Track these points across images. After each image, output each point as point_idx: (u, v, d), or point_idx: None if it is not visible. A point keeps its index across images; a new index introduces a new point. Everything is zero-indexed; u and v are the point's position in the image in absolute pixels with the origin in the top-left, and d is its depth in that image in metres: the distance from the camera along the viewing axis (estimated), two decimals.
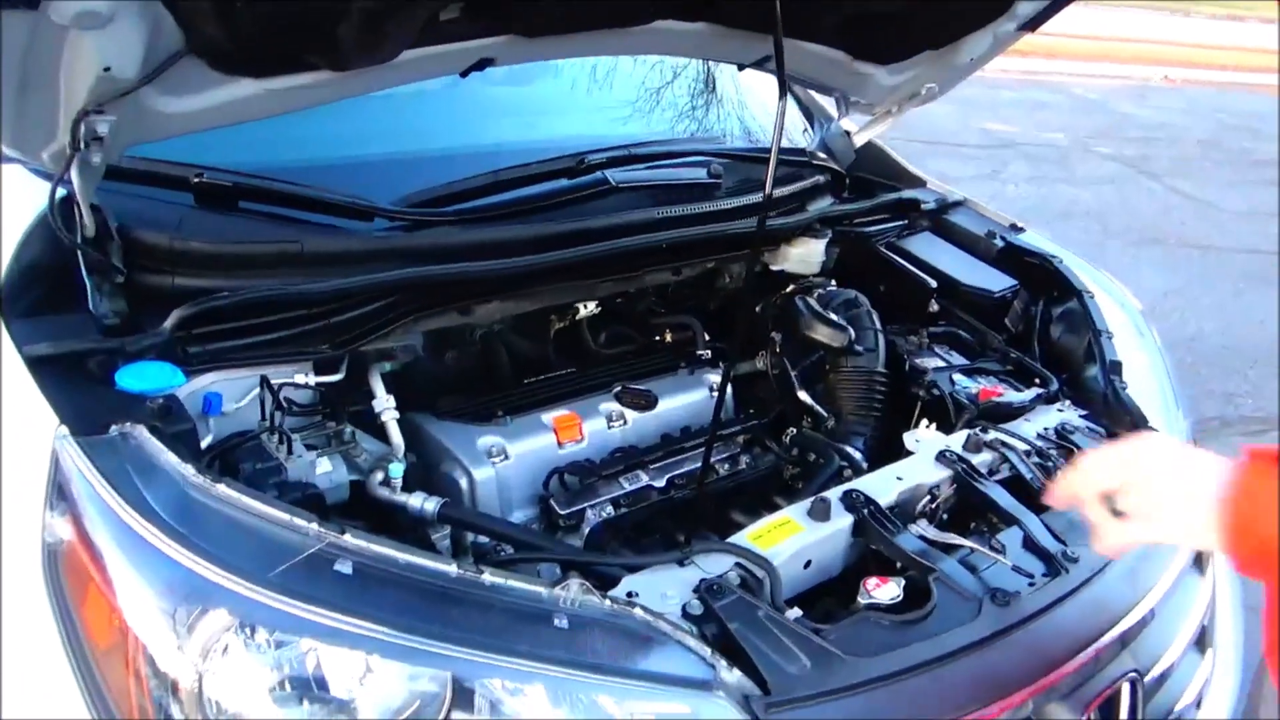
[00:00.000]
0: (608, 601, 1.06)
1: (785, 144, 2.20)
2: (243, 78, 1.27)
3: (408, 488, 1.38)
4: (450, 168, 1.66)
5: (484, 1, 1.32)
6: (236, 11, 1.14)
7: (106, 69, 1.09)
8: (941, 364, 1.79)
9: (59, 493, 1.08)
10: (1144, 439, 1.02)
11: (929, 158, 2.28)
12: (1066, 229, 5.60)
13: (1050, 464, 1.50)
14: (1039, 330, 1.92)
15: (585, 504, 1.46)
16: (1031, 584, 1.26)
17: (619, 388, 1.67)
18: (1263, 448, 0.92)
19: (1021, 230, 2.12)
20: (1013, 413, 1.63)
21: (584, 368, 1.77)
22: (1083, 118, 9.38)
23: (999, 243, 2.06)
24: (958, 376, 1.76)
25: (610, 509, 1.47)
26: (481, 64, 1.45)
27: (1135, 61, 12.58)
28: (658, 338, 1.89)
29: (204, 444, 1.26)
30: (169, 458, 1.07)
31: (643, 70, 2.25)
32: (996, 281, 1.96)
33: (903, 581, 1.23)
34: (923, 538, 1.32)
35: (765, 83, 2.36)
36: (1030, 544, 1.33)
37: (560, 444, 1.53)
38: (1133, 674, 1.27)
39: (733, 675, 1.04)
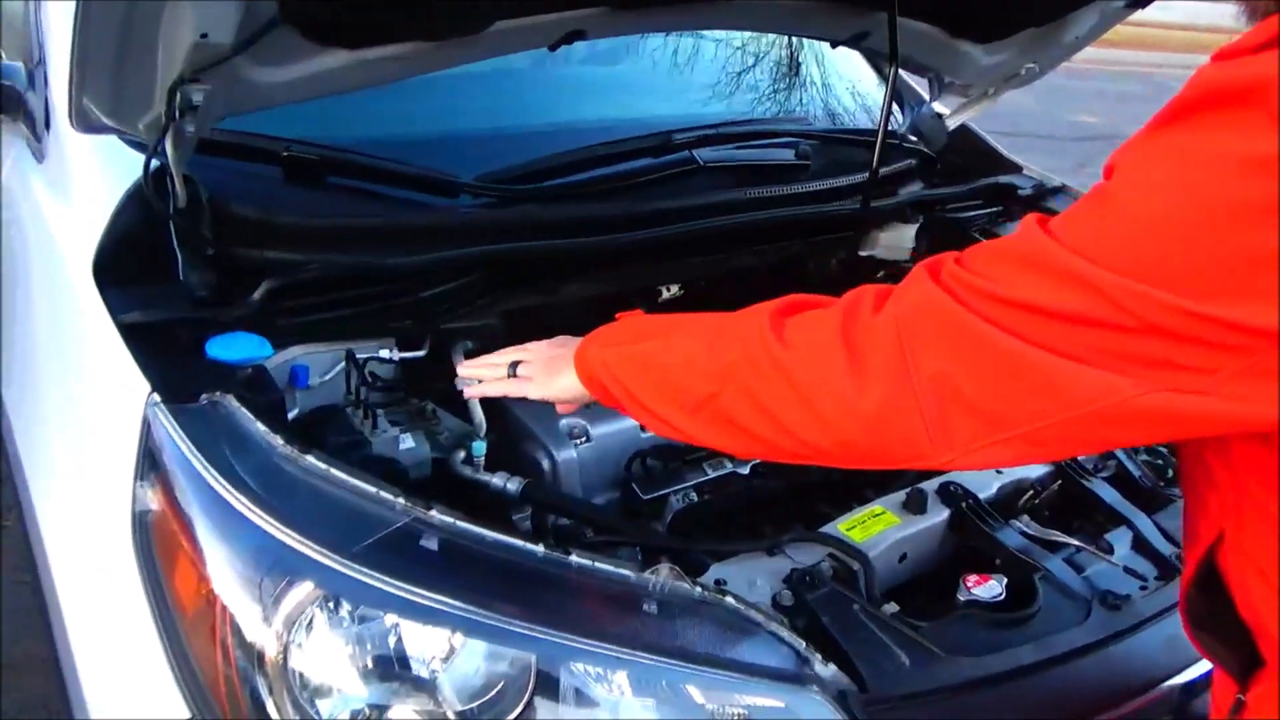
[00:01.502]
0: (698, 588, 1.03)
1: (876, 127, 2.13)
2: (335, 48, 1.26)
3: (489, 467, 1.36)
4: (535, 145, 1.64)
5: None
6: None
7: (203, 36, 1.08)
8: None
9: (149, 460, 1.09)
10: None
11: (1012, 149, 2.21)
12: None
13: (1160, 461, 1.42)
14: None
15: (668, 489, 1.42)
16: (1143, 588, 1.19)
17: None
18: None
19: None
20: None
21: None
22: None
23: None
24: None
25: (693, 495, 1.43)
26: (571, 36, 1.42)
27: None
28: None
29: (290, 416, 1.25)
30: (258, 427, 1.06)
31: (726, 51, 2.21)
32: None
33: (1004, 579, 1.17)
34: (1025, 534, 1.26)
35: (848, 65, 2.30)
36: (1141, 545, 1.26)
37: (643, 427, 1.50)
38: None
39: (828, 670, 1.00)
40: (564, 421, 1.46)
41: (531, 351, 1.21)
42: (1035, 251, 0.68)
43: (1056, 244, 0.67)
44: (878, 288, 0.81)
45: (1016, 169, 2.18)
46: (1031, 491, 1.35)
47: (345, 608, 0.96)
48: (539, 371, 1.17)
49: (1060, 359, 0.66)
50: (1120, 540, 1.27)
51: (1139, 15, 1.84)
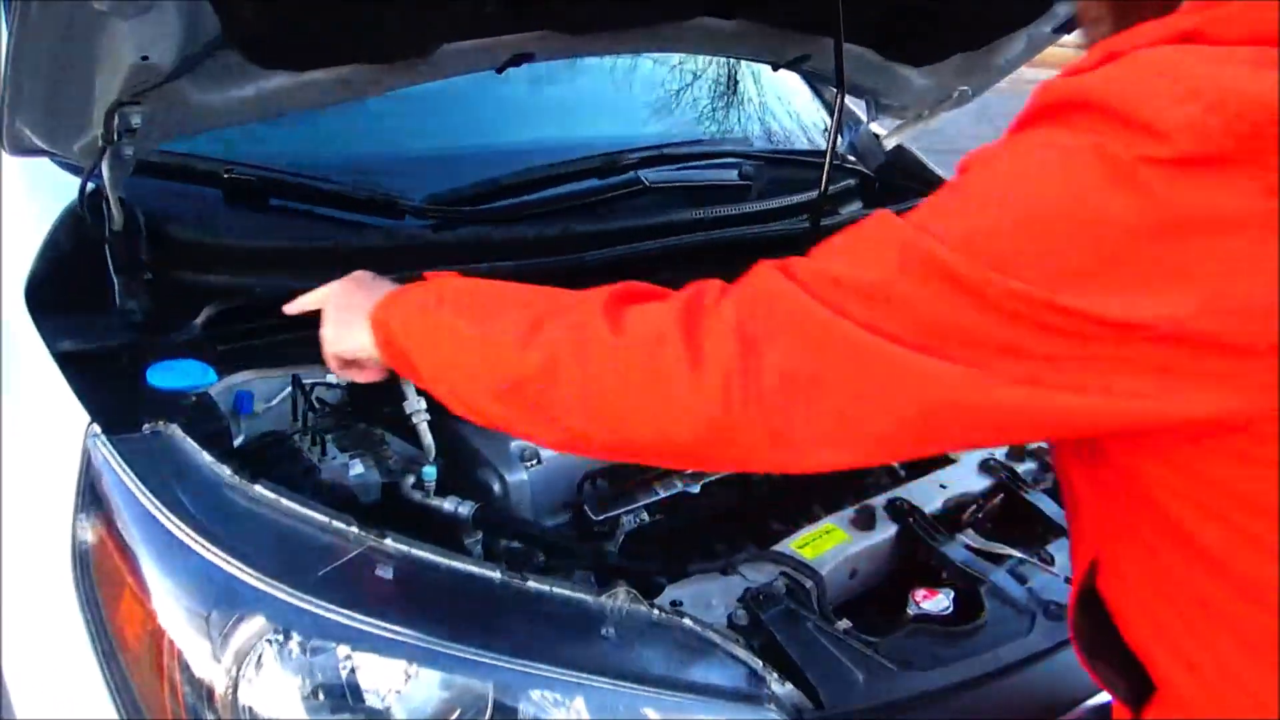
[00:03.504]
0: (656, 611, 1.03)
1: (814, 146, 2.17)
2: (279, 71, 1.25)
3: (440, 491, 1.35)
4: (481, 166, 1.63)
5: None
6: (275, 1, 1.11)
7: (144, 58, 1.06)
8: None
9: (90, 493, 1.05)
10: None
11: (944, 167, 2.27)
12: None
13: None
14: None
15: (619, 510, 1.42)
16: None
17: None
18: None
19: None
20: None
21: None
22: None
23: None
24: None
25: (645, 515, 1.43)
26: (519, 59, 1.42)
27: None
28: None
29: (236, 444, 1.23)
30: (204, 457, 1.04)
31: (665, 72, 2.23)
32: None
33: (952, 592, 1.20)
34: (970, 548, 1.28)
35: (785, 85, 2.34)
36: None
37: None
38: None
39: (784, 688, 1.01)
40: (514, 444, 1.45)
41: (327, 293, 1.08)
42: (887, 236, 0.68)
43: (910, 227, 0.66)
44: (722, 282, 0.76)
45: None
46: (975, 505, 1.38)
47: (296, 640, 0.94)
48: (330, 321, 1.05)
49: (910, 351, 0.64)
50: (1061, 550, 1.30)
51: (1071, 37, 1.90)
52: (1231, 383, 0.61)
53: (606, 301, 0.80)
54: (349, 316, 1.02)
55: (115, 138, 1.14)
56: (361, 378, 1.09)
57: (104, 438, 1.05)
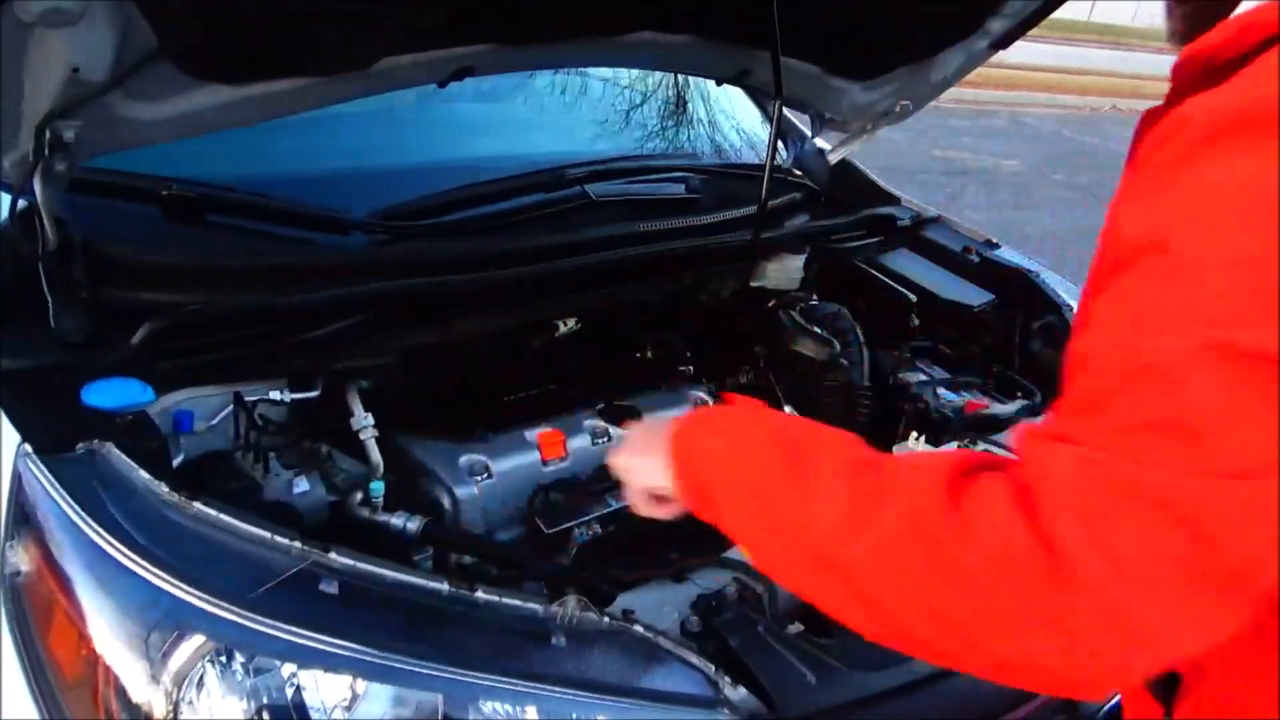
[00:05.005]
0: (607, 618, 1.02)
1: (760, 161, 2.19)
2: (216, 84, 1.23)
3: (388, 507, 1.33)
4: (426, 181, 1.63)
5: (466, 9, 1.29)
6: (211, 12, 1.10)
7: (75, 70, 1.05)
8: (924, 378, 1.78)
9: (21, 516, 1.02)
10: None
11: (890, 183, 2.32)
12: (1025, 252, 5.67)
13: None
14: (1019, 344, 1.92)
15: (571, 522, 1.42)
16: None
17: (602, 404, 1.64)
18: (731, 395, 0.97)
19: (997, 246, 2.13)
20: (999, 424, 1.62)
21: (563, 385, 1.73)
22: (1036, 146, 9.58)
23: (975, 258, 2.06)
24: (942, 390, 1.75)
25: (597, 527, 1.43)
26: (461, 73, 1.42)
27: (1084, 93, 12.90)
28: (638, 354, 1.86)
29: (175, 463, 1.20)
30: (141, 476, 1.01)
31: (614, 88, 2.25)
32: (974, 296, 1.96)
33: None
34: None
35: (733, 102, 2.37)
36: None
37: (544, 461, 1.49)
38: None
39: (737, 692, 1.01)
40: (464, 459, 1.44)
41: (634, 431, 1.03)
42: (1137, 359, 0.58)
43: (1149, 339, 0.57)
44: (1058, 471, 0.61)
45: (895, 201, 2.28)
46: None
47: (240, 659, 0.92)
48: (632, 451, 0.98)
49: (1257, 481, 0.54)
50: None
51: (1000, 57, 1.95)
52: None
53: (950, 476, 0.67)
54: (651, 445, 0.92)
55: (46, 153, 1.12)
56: (664, 513, 0.99)
57: (36, 457, 1.02)
